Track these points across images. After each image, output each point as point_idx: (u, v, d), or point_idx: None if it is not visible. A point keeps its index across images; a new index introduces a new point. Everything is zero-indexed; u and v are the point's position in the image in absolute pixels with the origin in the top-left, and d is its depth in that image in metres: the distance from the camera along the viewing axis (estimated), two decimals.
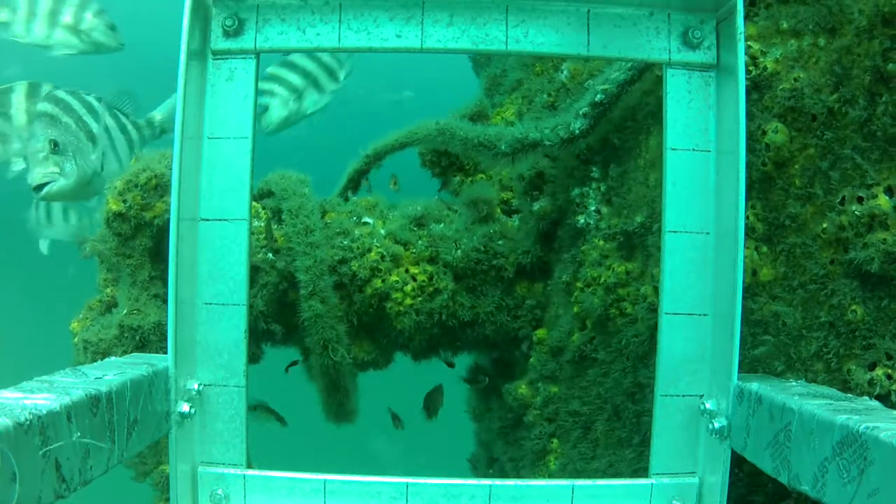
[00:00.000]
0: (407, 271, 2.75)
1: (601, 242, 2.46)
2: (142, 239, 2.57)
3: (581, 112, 2.38)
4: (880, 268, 1.78)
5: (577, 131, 2.38)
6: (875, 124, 1.80)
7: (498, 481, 1.92)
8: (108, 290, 2.77)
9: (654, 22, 1.88)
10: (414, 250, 2.79)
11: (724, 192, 1.83)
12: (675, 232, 1.88)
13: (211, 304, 1.90)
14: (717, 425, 1.78)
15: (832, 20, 1.87)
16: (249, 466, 1.92)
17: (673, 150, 1.89)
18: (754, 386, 1.69)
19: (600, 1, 1.87)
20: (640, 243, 2.33)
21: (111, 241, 2.58)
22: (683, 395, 1.88)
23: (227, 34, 1.88)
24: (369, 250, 2.74)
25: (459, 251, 2.77)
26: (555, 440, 2.66)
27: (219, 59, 1.90)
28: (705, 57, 1.87)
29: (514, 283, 2.81)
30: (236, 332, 1.90)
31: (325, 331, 2.63)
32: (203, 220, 1.89)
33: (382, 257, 2.73)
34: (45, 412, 1.22)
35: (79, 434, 1.33)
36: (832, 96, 1.85)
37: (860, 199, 1.81)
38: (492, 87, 3.39)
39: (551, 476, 2.67)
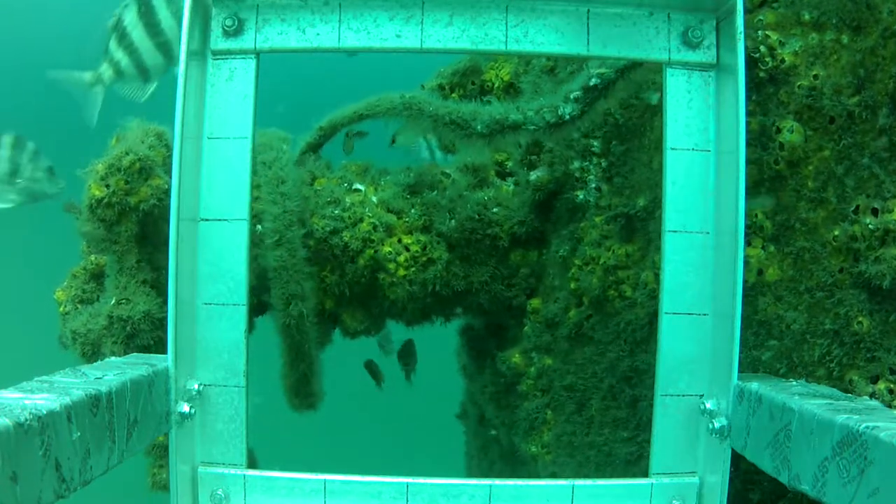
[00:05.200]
0: (400, 241, 2.70)
1: (601, 221, 2.43)
2: (127, 224, 2.46)
3: (572, 96, 2.23)
4: (892, 284, 1.74)
5: (567, 116, 2.23)
6: None
7: (498, 481, 1.92)
8: (92, 258, 2.69)
9: (654, 21, 1.88)
10: (407, 219, 2.73)
11: (724, 192, 1.83)
12: (675, 232, 1.88)
13: (211, 304, 1.90)
14: (717, 425, 1.78)
15: (858, 17, 1.80)
16: (250, 466, 1.93)
17: (673, 149, 1.89)
18: (754, 386, 1.69)
19: (600, 1, 1.87)
20: (642, 227, 2.30)
21: (96, 228, 2.48)
22: (683, 395, 1.88)
23: (227, 34, 1.89)
24: (361, 220, 2.67)
25: (454, 220, 2.72)
26: (549, 411, 2.66)
27: (219, 59, 1.90)
28: (705, 56, 1.87)
29: (508, 251, 2.77)
30: (236, 332, 1.90)
31: (290, 284, 2.52)
32: (203, 220, 1.89)
33: (375, 227, 2.68)
34: (45, 412, 1.22)
35: (79, 434, 1.33)
36: (853, 99, 1.80)
37: (875, 211, 1.78)
38: None
39: (544, 446, 2.67)
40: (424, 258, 2.70)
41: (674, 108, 1.88)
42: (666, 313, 1.88)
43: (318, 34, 1.89)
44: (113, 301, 2.46)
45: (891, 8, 1.76)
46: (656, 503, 1.88)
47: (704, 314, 1.87)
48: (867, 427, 1.26)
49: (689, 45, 1.87)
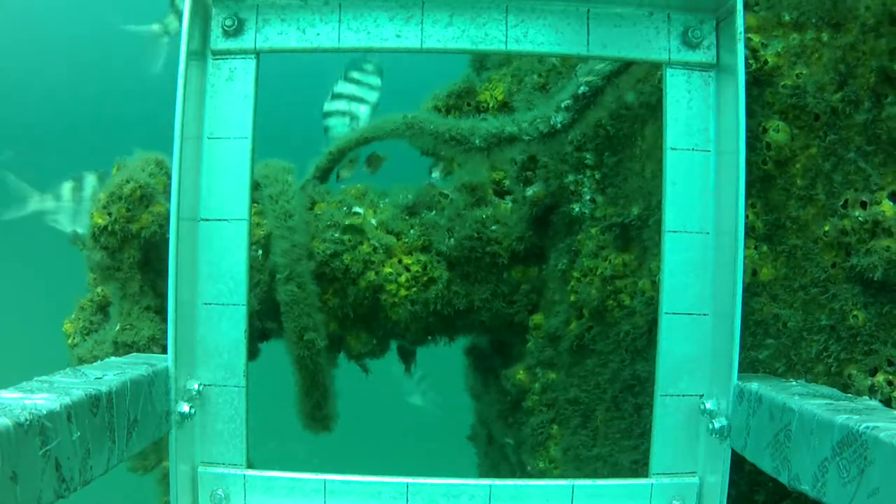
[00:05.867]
0: (400, 262, 2.73)
1: (596, 232, 2.45)
2: (129, 252, 2.49)
3: (563, 105, 2.29)
4: (884, 275, 1.75)
5: (559, 125, 2.30)
6: (880, 127, 1.76)
7: (498, 481, 1.92)
8: (99, 290, 2.73)
9: (654, 22, 1.88)
10: (406, 240, 2.76)
11: (724, 192, 1.83)
12: (675, 232, 1.88)
13: (211, 304, 1.90)
14: (717, 425, 1.78)
15: (836, 15, 1.82)
16: (249, 466, 1.93)
17: (673, 149, 1.89)
18: (754, 386, 1.69)
19: (600, 1, 1.87)
20: (637, 235, 2.32)
21: (99, 255, 2.52)
22: (683, 395, 1.88)
23: (227, 34, 1.89)
24: (361, 242, 2.71)
25: (452, 239, 2.74)
26: (555, 426, 2.67)
27: (219, 59, 1.90)
28: (705, 57, 1.87)
29: (508, 268, 2.79)
30: (236, 332, 1.90)
31: (302, 318, 2.58)
32: (203, 220, 1.89)
33: (375, 249, 2.71)
34: (44, 412, 1.22)
35: (79, 434, 1.33)
36: (836, 95, 1.82)
37: (863, 204, 1.79)
38: (480, 59, 3.30)
39: (552, 461, 2.67)
40: (425, 278, 2.73)
41: (674, 108, 1.88)
42: (666, 313, 1.88)
43: (318, 34, 1.89)
44: (118, 327, 2.48)
45: (867, 4, 1.77)
46: (656, 503, 1.88)
47: (704, 314, 1.87)
48: (867, 427, 1.26)
49: (688, 45, 1.87)
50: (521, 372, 2.78)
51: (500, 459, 3.35)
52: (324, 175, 2.98)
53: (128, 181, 2.47)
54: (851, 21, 1.80)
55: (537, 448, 2.74)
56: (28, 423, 1.17)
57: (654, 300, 2.03)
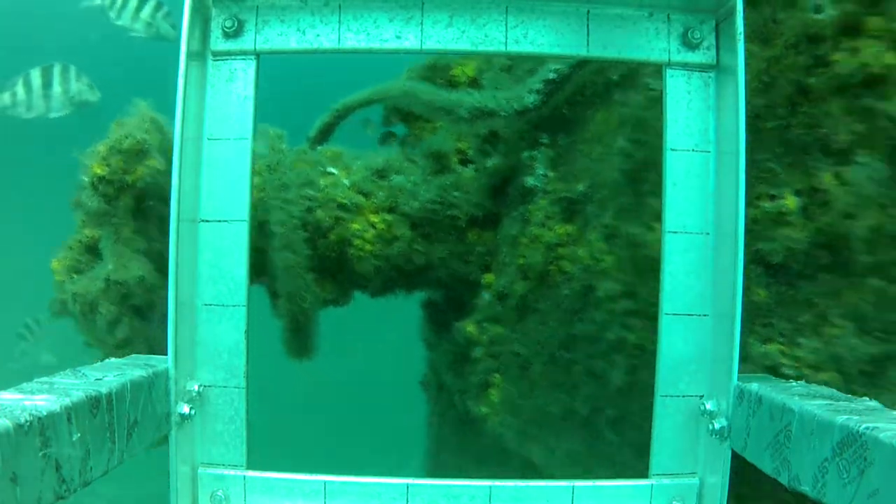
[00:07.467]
0: (368, 220, 2.95)
1: (545, 204, 2.67)
2: (124, 199, 2.68)
3: (534, 88, 2.58)
4: (783, 259, 1.94)
5: (530, 105, 2.63)
6: (791, 133, 1.94)
7: (498, 482, 1.92)
8: (87, 232, 2.88)
9: (654, 22, 1.88)
10: (375, 200, 2.98)
11: (723, 193, 1.83)
12: (674, 232, 1.88)
13: (211, 304, 1.90)
14: (717, 426, 1.78)
15: (766, 31, 1.99)
16: (249, 467, 1.93)
17: (673, 150, 1.89)
18: (754, 386, 1.69)
19: (600, 1, 1.87)
20: (581, 210, 2.56)
21: (96, 202, 2.73)
22: (683, 396, 1.89)
23: (227, 35, 1.89)
24: (333, 200, 2.93)
25: (417, 202, 2.96)
26: (497, 375, 2.89)
27: (219, 59, 1.90)
28: (705, 57, 1.87)
29: (466, 231, 3.01)
30: (236, 333, 1.90)
31: (295, 280, 2.82)
32: (203, 220, 1.89)
33: (346, 207, 2.92)
34: (45, 413, 1.22)
35: (79, 435, 1.33)
36: (759, 100, 1.97)
37: (772, 198, 1.97)
38: None
39: (492, 406, 2.91)
40: (389, 235, 2.94)
41: (673, 109, 1.89)
42: (666, 314, 1.89)
43: (317, 35, 1.89)
44: (111, 266, 2.68)
45: (791, 23, 1.94)
46: None
47: (704, 315, 1.87)
48: (867, 428, 1.26)
49: (688, 45, 1.87)
50: (471, 325, 2.97)
51: (447, 405, 3.59)
52: (326, 131, 3.22)
53: (127, 137, 2.68)
54: (778, 37, 1.97)
55: (480, 395, 2.96)
56: (28, 424, 1.17)
57: (589, 268, 2.35)
